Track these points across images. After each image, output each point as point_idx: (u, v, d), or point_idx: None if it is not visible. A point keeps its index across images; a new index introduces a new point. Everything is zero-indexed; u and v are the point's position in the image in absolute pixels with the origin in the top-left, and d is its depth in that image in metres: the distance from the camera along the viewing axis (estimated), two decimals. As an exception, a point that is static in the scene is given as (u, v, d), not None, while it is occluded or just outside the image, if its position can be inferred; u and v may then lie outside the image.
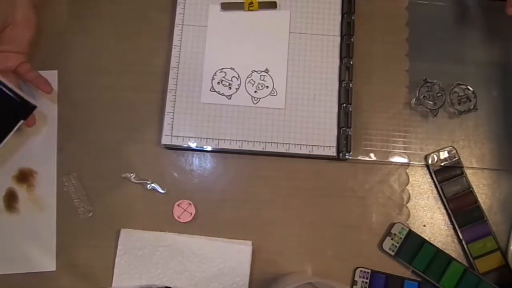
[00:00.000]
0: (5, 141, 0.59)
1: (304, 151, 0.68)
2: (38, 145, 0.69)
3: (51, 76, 0.70)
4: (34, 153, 0.69)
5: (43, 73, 0.69)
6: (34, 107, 0.60)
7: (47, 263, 0.66)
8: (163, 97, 0.70)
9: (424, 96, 0.71)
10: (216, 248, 0.67)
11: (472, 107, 0.71)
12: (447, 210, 0.69)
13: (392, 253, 0.67)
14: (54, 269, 0.66)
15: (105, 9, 0.73)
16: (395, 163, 0.70)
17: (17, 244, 0.66)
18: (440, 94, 0.71)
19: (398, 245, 0.67)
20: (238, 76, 0.70)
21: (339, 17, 0.72)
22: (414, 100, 0.71)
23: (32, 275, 0.66)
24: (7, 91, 0.58)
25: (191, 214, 0.68)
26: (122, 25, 0.73)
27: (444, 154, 0.71)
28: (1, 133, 0.58)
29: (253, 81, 0.70)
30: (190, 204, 0.68)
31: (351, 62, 0.71)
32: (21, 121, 0.60)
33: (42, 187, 0.68)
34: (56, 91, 0.70)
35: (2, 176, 0.68)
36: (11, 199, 0.67)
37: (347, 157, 0.69)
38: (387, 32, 0.73)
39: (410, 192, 0.70)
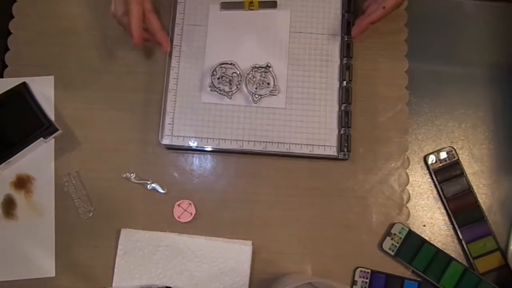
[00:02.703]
0: (21, 152, 0.67)
1: (305, 150, 0.69)
2: (35, 151, 0.69)
3: (47, 81, 0.70)
4: (32, 159, 0.68)
5: (39, 79, 0.70)
6: (57, 129, 0.67)
7: (47, 269, 0.66)
8: (163, 97, 0.70)
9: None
10: (216, 248, 0.67)
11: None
12: (447, 210, 0.70)
13: (392, 253, 0.67)
14: (53, 275, 0.66)
15: (106, 10, 0.73)
16: (395, 163, 0.70)
17: (16, 250, 0.66)
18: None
19: (398, 245, 0.67)
20: (238, 72, 0.70)
21: (339, 17, 0.73)
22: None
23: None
24: (39, 112, 0.67)
25: (191, 214, 0.68)
26: (122, 25, 0.73)
27: (443, 155, 0.71)
28: (20, 145, 0.67)
29: (253, 78, 0.70)
30: (190, 204, 0.68)
31: (351, 62, 0.71)
32: (41, 139, 0.67)
33: (40, 193, 0.68)
34: (52, 96, 0.70)
35: (0, 182, 0.68)
36: (9, 205, 0.67)
37: (347, 157, 0.69)
38: (387, 32, 0.73)
39: (410, 192, 0.70)
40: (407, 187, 0.70)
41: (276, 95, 0.70)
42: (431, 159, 0.71)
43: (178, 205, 0.68)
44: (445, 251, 0.68)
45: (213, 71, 0.70)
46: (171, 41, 0.71)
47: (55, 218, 0.67)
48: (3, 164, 0.67)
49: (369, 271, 0.67)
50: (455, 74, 0.74)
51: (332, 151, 0.69)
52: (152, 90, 0.71)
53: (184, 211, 0.68)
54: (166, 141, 0.68)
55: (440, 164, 0.71)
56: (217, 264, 0.66)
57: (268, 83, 0.70)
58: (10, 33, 0.72)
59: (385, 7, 0.65)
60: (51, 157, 0.69)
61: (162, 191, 0.69)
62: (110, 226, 0.67)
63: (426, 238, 0.68)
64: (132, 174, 0.69)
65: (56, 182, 0.68)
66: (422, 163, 0.71)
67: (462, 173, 0.70)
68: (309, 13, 0.72)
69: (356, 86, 0.71)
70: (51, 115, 0.69)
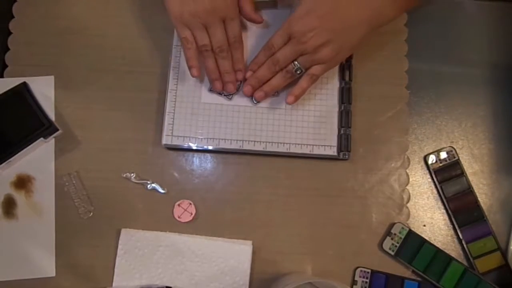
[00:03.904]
0: (21, 152, 0.67)
1: (305, 150, 0.69)
2: (35, 151, 0.69)
3: (47, 81, 0.70)
4: (32, 159, 0.68)
5: (39, 79, 0.70)
6: (57, 129, 0.67)
7: (47, 269, 0.66)
8: (163, 97, 0.70)
9: None
10: (216, 248, 0.67)
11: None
12: (447, 210, 0.70)
13: (392, 253, 0.67)
14: (53, 275, 0.66)
15: (106, 10, 0.73)
16: (395, 163, 0.70)
17: (16, 250, 0.66)
18: None
19: (398, 245, 0.67)
20: (239, 76, 0.70)
21: (339, 17, 0.72)
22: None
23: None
24: (39, 112, 0.67)
25: (191, 214, 0.68)
26: (122, 26, 0.73)
27: (443, 155, 0.71)
28: (21, 145, 0.67)
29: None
30: (190, 204, 0.68)
31: (351, 62, 0.71)
32: (41, 139, 0.67)
33: (40, 192, 0.68)
34: (53, 96, 0.70)
35: (0, 182, 0.68)
36: (9, 205, 0.67)
37: (347, 157, 0.69)
38: (387, 32, 0.73)
39: (410, 192, 0.70)
40: (407, 187, 0.70)
41: (276, 96, 0.70)
42: (431, 159, 0.71)
43: (178, 205, 0.68)
44: (445, 251, 0.68)
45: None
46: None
47: (55, 218, 0.67)
48: (3, 164, 0.67)
49: (369, 271, 0.67)
50: (455, 74, 0.74)
51: (332, 151, 0.69)
52: (152, 90, 0.71)
53: (184, 211, 0.68)
54: (166, 141, 0.68)
55: (440, 164, 0.71)
56: (217, 264, 0.66)
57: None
58: (10, 33, 0.72)
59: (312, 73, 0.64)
60: (51, 157, 0.69)
61: (162, 191, 0.69)
62: (110, 226, 0.67)
63: (426, 238, 0.68)
64: (132, 174, 0.69)
65: (56, 182, 0.68)
66: (422, 163, 0.71)
67: (462, 173, 0.70)
68: (309, 13, 0.72)
69: (356, 86, 0.71)
70: (51, 115, 0.69)
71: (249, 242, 0.67)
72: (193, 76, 0.67)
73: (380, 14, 0.62)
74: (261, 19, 0.68)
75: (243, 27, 0.70)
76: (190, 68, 0.66)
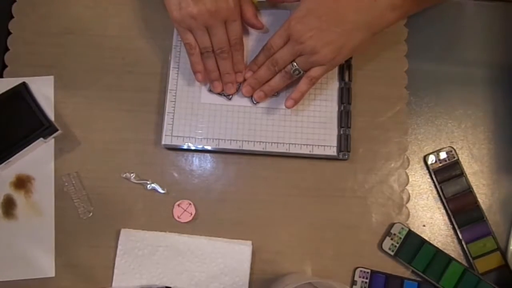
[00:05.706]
0: (20, 152, 0.67)
1: (305, 151, 0.68)
2: (35, 151, 0.69)
3: (47, 81, 0.70)
4: (31, 159, 0.68)
5: (39, 79, 0.70)
6: (57, 130, 0.67)
7: (46, 269, 0.66)
8: (163, 97, 0.70)
9: None
10: (216, 248, 0.67)
11: None
12: (446, 210, 0.70)
13: (392, 253, 0.67)
14: (53, 275, 0.66)
15: (106, 10, 0.73)
16: (395, 163, 0.70)
17: (15, 250, 0.66)
18: None
19: (397, 245, 0.67)
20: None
21: (339, 17, 0.72)
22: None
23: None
24: (38, 112, 0.67)
25: (191, 214, 0.68)
26: (122, 26, 0.73)
27: (443, 155, 0.71)
28: (20, 145, 0.67)
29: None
30: (190, 204, 0.68)
31: (351, 62, 0.71)
32: (40, 139, 0.67)
33: (40, 193, 0.68)
34: (52, 96, 0.70)
35: (-1, 183, 0.68)
36: (9, 205, 0.67)
37: (346, 157, 0.69)
38: (387, 32, 0.73)
39: (410, 192, 0.70)
40: (407, 187, 0.70)
41: (276, 96, 0.70)
42: (431, 159, 0.71)
43: (178, 205, 0.68)
44: (445, 251, 0.68)
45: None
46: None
47: (54, 218, 0.67)
48: (2, 164, 0.67)
49: (369, 271, 0.67)
50: (455, 74, 0.74)
51: (332, 151, 0.69)
52: (152, 90, 0.71)
53: (184, 211, 0.68)
54: (165, 141, 0.68)
55: (440, 164, 0.71)
56: (217, 264, 0.66)
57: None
58: (10, 33, 0.72)
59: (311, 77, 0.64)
60: (50, 157, 0.69)
61: (162, 191, 0.69)
62: (110, 226, 0.67)
63: (426, 238, 0.68)
64: (132, 174, 0.69)
65: (55, 182, 0.68)
66: (422, 163, 0.71)
67: (462, 173, 0.70)
68: (309, 13, 0.72)
69: (356, 86, 0.71)
70: (51, 115, 0.69)
71: (249, 242, 0.67)
72: (198, 81, 0.68)
73: (380, 18, 0.61)
74: (262, 26, 0.68)
75: (244, 28, 0.70)
76: (195, 73, 0.67)
